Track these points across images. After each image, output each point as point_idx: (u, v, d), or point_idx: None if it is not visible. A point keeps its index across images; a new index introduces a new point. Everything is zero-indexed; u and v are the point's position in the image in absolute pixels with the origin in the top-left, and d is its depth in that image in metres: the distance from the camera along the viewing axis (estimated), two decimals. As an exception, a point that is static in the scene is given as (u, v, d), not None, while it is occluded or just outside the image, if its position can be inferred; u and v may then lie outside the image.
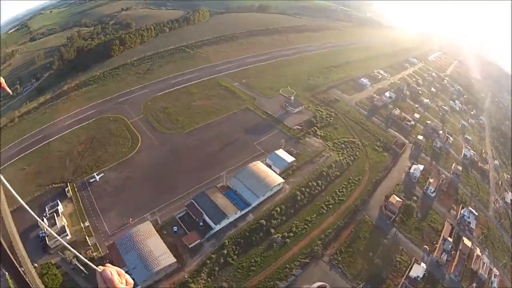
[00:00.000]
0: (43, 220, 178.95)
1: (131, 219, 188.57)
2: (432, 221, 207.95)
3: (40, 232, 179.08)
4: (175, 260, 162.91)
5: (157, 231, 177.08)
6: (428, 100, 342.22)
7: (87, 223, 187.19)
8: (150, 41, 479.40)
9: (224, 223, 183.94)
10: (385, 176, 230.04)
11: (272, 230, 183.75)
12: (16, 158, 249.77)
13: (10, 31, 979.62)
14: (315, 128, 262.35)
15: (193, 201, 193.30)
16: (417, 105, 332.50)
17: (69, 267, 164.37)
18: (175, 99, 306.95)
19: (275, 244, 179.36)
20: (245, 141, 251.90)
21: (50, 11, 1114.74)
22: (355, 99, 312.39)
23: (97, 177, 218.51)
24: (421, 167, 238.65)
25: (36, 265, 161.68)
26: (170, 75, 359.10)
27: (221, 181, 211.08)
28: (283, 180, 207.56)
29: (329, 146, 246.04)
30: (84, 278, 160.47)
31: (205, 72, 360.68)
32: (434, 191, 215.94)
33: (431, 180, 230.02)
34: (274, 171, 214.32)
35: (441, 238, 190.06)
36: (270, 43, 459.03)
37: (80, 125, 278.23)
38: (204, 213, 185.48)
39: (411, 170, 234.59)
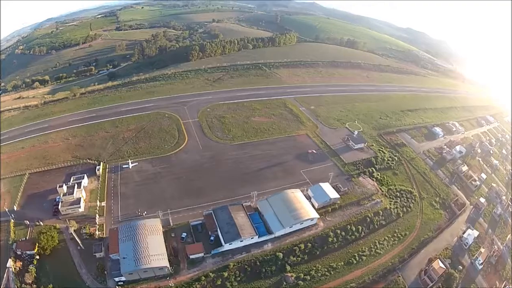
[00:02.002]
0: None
1: (145, 212, 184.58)
2: None
3: (58, 197, 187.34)
4: (168, 265, 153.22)
5: (165, 231, 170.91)
6: (497, 162, 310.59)
7: (103, 203, 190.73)
8: (230, 53, 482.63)
9: (236, 244, 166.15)
10: (435, 236, 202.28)
11: (288, 267, 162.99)
12: (64, 128, 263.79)
13: (98, 16, 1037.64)
14: (373, 169, 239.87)
15: (212, 212, 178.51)
16: (486, 165, 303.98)
17: (69, 237, 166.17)
18: (235, 111, 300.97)
19: (285, 283, 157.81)
20: (292, 166, 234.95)
21: (142, 7, 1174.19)
22: (424, 147, 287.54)
23: (131, 165, 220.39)
24: (476, 233, 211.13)
25: (41, 223, 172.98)
26: (238, 87, 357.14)
27: (250, 201, 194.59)
28: (318, 216, 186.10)
29: (382, 191, 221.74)
30: (78, 250, 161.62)
31: (274, 91, 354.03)
32: (482, 263, 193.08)
33: (482, 250, 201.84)
34: (312, 205, 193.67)
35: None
36: (349, 76, 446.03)
37: (135, 114, 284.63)
38: (218, 228, 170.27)
39: (465, 235, 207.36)
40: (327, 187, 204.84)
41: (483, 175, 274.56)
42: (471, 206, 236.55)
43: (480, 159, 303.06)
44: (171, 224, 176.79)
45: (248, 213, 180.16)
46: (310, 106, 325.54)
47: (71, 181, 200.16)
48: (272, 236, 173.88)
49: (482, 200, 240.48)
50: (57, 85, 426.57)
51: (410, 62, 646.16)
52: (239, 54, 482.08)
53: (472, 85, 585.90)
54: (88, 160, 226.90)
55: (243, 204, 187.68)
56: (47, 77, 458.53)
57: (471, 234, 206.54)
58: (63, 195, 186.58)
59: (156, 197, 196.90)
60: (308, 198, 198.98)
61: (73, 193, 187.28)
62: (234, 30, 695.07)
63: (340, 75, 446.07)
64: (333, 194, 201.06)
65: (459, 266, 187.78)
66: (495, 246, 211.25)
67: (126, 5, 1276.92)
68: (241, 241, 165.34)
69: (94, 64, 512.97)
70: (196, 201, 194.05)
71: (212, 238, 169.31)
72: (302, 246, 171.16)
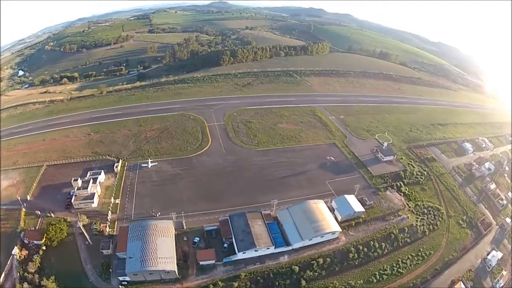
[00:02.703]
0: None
1: (159, 213, 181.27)
2: None
3: (72, 190, 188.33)
4: (175, 269, 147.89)
5: (177, 234, 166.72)
6: None
7: (118, 200, 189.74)
8: (262, 60, 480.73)
9: (251, 253, 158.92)
10: (460, 257, 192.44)
11: (303, 282, 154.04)
12: (86, 124, 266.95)
13: (131, 18, 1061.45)
14: (401, 183, 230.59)
15: (228, 218, 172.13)
16: None
17: (78, 231, 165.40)
18: (262, 116, 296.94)
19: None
20: (317, 176, 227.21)
21: (175, 11, 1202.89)
22: (453, 163, 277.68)
23: (150, 164, 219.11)
24: (500, 255, 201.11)
25: (52, 215, 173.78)
26: (267, 93, 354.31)
27: (270, 209, 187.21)
28: (340, 230, 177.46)
29: (409, 207, 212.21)
30: (86, 246, 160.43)
31: (304, 99, 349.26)
32: (502, 286, 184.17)
33: (504, 273, 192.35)
34: (335, 217, 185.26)
35: None
36: (381, 87, 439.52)
37: (159, 115, 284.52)
38: (233, 235, 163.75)
39: (489, 257, 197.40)
40: (352, 199, 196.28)
41: (510, 194, 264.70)
42: (497, 226, 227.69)
43: (507, 177, 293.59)
44: (185, 227, 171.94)
45: (266, 222, 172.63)
46: (339, 116, 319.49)
47: (87, 176, 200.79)
48: (289, 248, 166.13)
49: (508, 220, 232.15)
50: (85, 83, 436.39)
51: (441, 76, 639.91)
52: (271, 61, 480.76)
53: (501, 101, 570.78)
54: (108, 157, 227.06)
55: (262, 212, 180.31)
56: (76, 74, 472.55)
57: (495, 256, 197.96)
58: (77, 189, 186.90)
59: (172, 198, 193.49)
60: (332, 210, 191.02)
61: (87, 188, 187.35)
62: (266, 37, 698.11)
63: (371, 85, 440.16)
64: (358, 207, 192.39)
65: None
66: None
67: (160, 8, 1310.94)
68: (255, 251, 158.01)
69: (124, 64, 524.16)
70: (213, 205, 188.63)
71: (225, 245, 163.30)
72: (321, 260, 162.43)
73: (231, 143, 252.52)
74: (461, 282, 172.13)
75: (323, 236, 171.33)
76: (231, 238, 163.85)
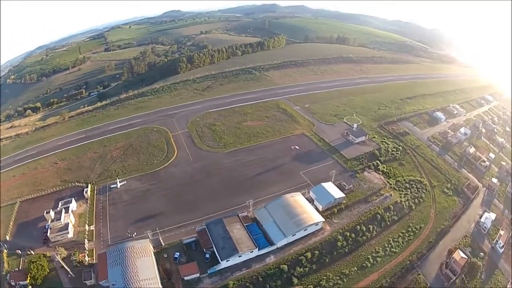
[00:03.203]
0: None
1: (135, 233, 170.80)
2: (495, 283, 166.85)
3: (47, 224, 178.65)
4: None
5: (157, 252, 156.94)
6: (503, 140, 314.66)
7: (92, 227, 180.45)
8: (219, 62, 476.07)
9: (235, 260, 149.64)
10: (452, 225, 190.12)
11: (295, 280, 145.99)
12: (52, 152, 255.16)
13: (86, 39, 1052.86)
14: (377, 161, 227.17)
15: (205, 227, 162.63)
16: (492, 144, 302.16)
17: (59, 265, 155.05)
18: (225, 118, 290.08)
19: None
20: (291, 168, 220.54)
21: (129, 26, 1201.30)
22: (428, 134, 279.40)
23: (119, 184, 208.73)
24: (493, 216, 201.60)
25: (32, 252, 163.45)
26: (228, 94, 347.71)
27: (247, 211, 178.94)
28: (324, 220, 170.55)
29: (390, 184, 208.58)
30: (69, 279, 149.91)
31: (266, 94, 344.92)
32: (503, 246, 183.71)
33: (502, 233, 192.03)
34: (315, 207, 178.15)
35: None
36: (342, 71, 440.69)
37: (123, 132, 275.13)
38: (213, 244, 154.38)
39: (482, 220, 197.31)
40: (330, 186, 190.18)
41: (492, 155, 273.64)
42: (484, 188, 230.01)
43: (485, 139, 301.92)
44: (163, 244, 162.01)
45: (245, 225, 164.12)
46: (304, 105, 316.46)
47: (59, 206, 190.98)
48: (274, 247, 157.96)
49: (494, 180, 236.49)
50: (48, 111, 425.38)
51: (403, 53, 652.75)
52: (228, 61, 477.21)
53: (467, 68, 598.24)
54: (77, 183, 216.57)
55: (239, 215, 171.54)
56: (38, 104, 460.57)
57: (489, 217, 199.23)
58: (51, 222, 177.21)
59: (145, 216, 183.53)
60: (311, 200, 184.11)
61: (60, 219, 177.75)
62: (222, 39, 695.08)
63: (332, 70, 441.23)
64: (337, 193, 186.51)
65: (480, 253, 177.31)
66: None
67: (114, 25, 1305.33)
68: (239, 256, 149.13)
69: (84, 86, 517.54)
70: (188, 216, 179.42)
71: (207, 255, 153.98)
72: (309, 254, 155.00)
73: (198, 149, 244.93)
74: (458, 250, 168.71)
75: (306, 229, 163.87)
76: (212, 247, 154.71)
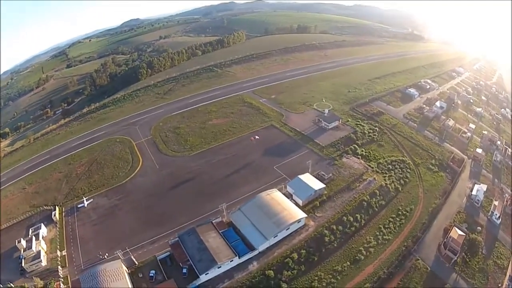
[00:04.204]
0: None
1: (106, 254, 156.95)
2: (498, 256, 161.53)
3: (21, 254, 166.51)
4: None
5: (131, 273, 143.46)
6: (480, 109, 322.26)
7: (64, 252, 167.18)
8: (180, 64, 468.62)
9: (214, 272, 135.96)
10: (444, 202, 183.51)
11: (284, 285, 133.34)
12: (21, 177, 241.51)
13: (49, 58, 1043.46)
14: (355, 145, 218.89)
15: (178, 239, 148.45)
16: (470, 115, 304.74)
17: None
18: (189, 119, 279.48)
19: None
20: (263, 164, 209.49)
21: (89, 40, 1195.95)
22: (403, 111, 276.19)
23: (86, 203, 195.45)
24: (484, 187, 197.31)
25: (12, 285, 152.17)
26: (190, 94, 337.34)
27: (221, 215, 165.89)
28: (306, 215, 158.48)
29: (372, 167, 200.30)
30: None
31: (230, 89, 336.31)
32: (499, 216, 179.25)
33: (496, 203, 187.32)
34: (295, 203, 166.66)
35: (507, 277, 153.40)
36: (306, 58, 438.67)
37: (86, 147, 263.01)
38: (189, 257, 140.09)
39: (473, 192, 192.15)
40: (308, 178, 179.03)
41: (472, 125, 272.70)
42: (470, 160, 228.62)
43: (462, 110, 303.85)
44: (136, 262, 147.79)
45: (221, 231, 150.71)
46: (270, 96, 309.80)
47: (29, 233, 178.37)
48: (255, 252, 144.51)
49: (479, 150, 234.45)
50: (16, 135, 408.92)
51: (365, 34, 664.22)
52: (189, 62, 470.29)
53: (433, 43, 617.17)
54: (45, 207, 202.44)
55: (213, 221, 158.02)
56: (7, 130, 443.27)
57: (480, 189, 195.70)
58: (23, 251, 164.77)
59: (115, 234, 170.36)
60: (289, 196, 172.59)
61: (31, 247, 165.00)
62: (181, 42, 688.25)
63: (296, 59, 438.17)
64: (317, 184, 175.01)
65: (478, 228, 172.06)
66: (506, 195, 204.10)
67: (74, 41, 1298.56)
68: (219, 268, 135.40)
69: (49, 106, 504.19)
70: (159, 230, 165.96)
71: (184, 270, 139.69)
72: (295, 255, 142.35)
73: (163, 155, 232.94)
74: (454, 228, 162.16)
75: (288, 228, 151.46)
76: (188, 260, 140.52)
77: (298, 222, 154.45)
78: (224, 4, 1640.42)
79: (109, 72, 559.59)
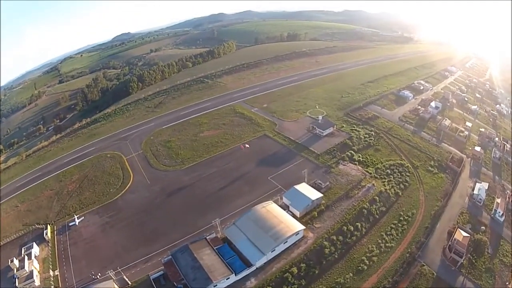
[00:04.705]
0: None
1: (99, 274, 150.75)
2: (503, 254, 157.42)
3: (14, 274, 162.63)
4: None
5: None
6: (476, 107, 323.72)
7: (57, 272, 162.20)
8: (171, 76, 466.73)
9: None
10: (445, 204, 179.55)
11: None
12: (13, 195, 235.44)
13: (41, 74, 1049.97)
14: (351, 151, 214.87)
15: (171, 257, 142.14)
16: (466, 113, 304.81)
17: None
18: (180, 132, 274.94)
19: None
20: (257, 175, 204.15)
21: (81, 55, 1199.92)
22: (398, 114, 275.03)
23: (77, 221, 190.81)
24: (485, 185, 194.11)
25: None
26: (181, 106, 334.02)
27: (215, 231, 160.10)
28: (304, 227, 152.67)
29: (370, 173, 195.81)
30: None
31: (221, 100, 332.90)
32: (502, 214, 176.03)
33: (499, 201, 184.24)
34: (292, 214, 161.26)
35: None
36: (297, 66, 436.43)
37: (77, 163, 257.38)
38: (183, 276, 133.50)
39: (475, 191, 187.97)
40: (304, 188, 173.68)
41: (468, 124, 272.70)
42: (469, 159, 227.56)
43: (458, 109, 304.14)
44: (129, 283, 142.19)
45: (215, 248, 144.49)
46: (262, 105, 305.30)
47: (22, 253, 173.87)
48: (252, 268, 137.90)
49: (477, 148, 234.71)
50: (10, 152, 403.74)
51: (356, 39, 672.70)
52: (179, 74, 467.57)
53: (423, 44, 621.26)
54: (37, 225, 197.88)
55: (207, 237, 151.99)
56: (1, 147, 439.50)
57: (481, 188, 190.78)
58: (17, 271, 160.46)
59: (107, 253, 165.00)
60: (285, 207, 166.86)
61: (24, 267, 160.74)
62: (173, 54, 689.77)
63: (287, 67, 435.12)
64: (314, 194, 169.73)
65: (482, 227, 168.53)
66: (508, 192, 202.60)
67: (66, 56, 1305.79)
68: (215, 286, 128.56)
69: (41, 122, 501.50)
70: (151, 247, 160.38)
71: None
72: (295, 270, 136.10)
73: (154, 170, 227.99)
74: (458, 229, 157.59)
75: (286, 242, 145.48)
76: (182, 279, 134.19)
77: (296, 235, 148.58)
78: (214, 15, 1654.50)
79: (101, 87, 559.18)
